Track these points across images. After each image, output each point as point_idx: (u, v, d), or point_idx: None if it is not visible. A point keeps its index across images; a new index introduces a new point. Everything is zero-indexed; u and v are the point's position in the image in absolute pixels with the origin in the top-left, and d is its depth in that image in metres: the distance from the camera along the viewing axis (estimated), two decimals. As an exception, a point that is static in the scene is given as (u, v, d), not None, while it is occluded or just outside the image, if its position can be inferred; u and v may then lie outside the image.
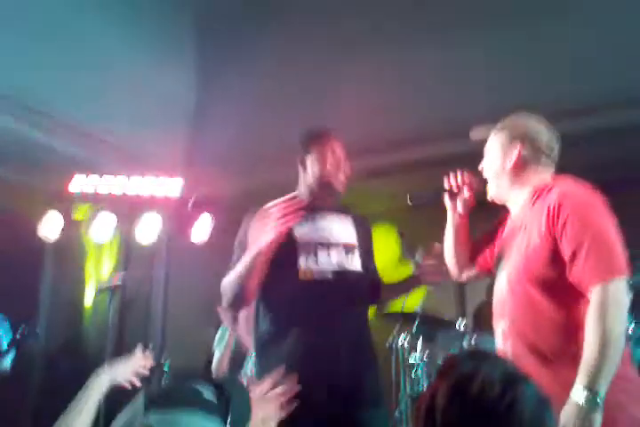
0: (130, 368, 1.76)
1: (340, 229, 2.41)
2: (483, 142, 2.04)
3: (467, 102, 4.43)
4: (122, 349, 5.33)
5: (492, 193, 1.99)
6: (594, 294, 1.64)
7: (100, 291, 4.51)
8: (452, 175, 2.11)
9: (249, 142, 5.13)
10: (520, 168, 1.91)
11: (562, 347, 1.72)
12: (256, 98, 5.22)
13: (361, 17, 4.85)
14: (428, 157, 4.70)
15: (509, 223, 1.98)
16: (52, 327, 5.71)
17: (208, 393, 1.22)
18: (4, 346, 3.40)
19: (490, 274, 2.07)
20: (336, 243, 2.36)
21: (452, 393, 1.02)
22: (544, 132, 1.94)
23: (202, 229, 4.81)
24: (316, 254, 2.30)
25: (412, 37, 4.67)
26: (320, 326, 2.21)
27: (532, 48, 4.11)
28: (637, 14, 3.63)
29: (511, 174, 1.92)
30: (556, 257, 1.73)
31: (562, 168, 1.96)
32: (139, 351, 1.90)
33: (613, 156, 4.66)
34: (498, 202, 2.01)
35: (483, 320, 4.89)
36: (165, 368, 4.14)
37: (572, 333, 1.69)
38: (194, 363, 4.53)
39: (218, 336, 4.02)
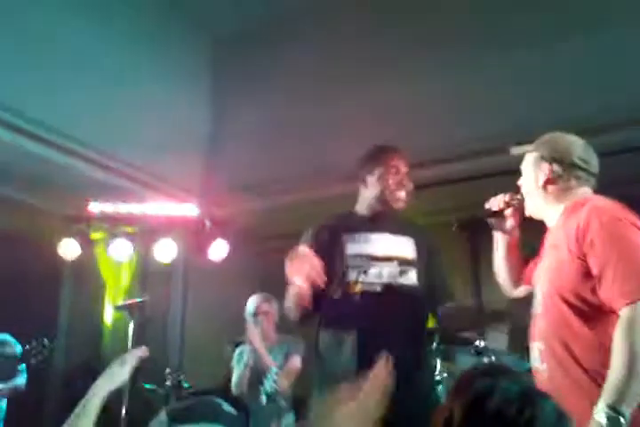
0: (126, 369, 1.78)
1: (396, 244, 2.40)
2: (505, 159, 2.08)
3: (491, 121, 4.46)
4: (141, 367, 5.36)
5: (529, 210, 2.01)
6: (621, 314, 1.62)
7: (118, 310, 4.53)
8: (495, 197, 2.11)
9: (264, 166, 5.19)
10: (552, 185, 1.92)
11: (595, 368, 1.69)
12: (271, 123, 5.30)
13: (376, 43, 4.96)
14: (451, 174, 4.73)
15: (546, 240, 1.97)
16: (71, 346, 5.75)
17: (227, 406, 1.24)
18: (19, 364, 3.45)
19: None
20: (389, 257, 2.35)
21: (470, 409, 1.00)
22: (576, 149, 1.94)
23: (219, 248, 4.84)
24: (366, 268, 2.32)
25: (428, 60, 4.77)
26: (368, 337, 2.22)
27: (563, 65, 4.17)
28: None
29: (544, 192, 1.93)
30: (586, 275, 1.71)
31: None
32: (133, 352, 1.90)
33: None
34: (535, 218, 2.02)
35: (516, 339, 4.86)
36: (185, 385, 4.15)
37: (605, 354, 1.66)
38: (212, 381, 4.53)
39: (236, 354, 4.02)
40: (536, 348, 1.87)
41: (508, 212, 2.09)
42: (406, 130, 4.68)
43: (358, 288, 2.30)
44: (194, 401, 1.30)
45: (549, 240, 1.94)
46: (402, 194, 2.43)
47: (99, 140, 4.59)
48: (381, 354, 2.17)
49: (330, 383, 2.19)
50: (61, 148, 4.44)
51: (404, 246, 2.41)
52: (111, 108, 4.64)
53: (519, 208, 2.07)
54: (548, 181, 1.92)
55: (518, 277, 2.16)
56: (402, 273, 2.34)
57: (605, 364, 1.64)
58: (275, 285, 5.09)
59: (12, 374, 3.40)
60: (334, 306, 2.32)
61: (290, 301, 2.37)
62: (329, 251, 2.33)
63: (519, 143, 2.06)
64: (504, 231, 2.14)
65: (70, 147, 4.48)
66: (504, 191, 2.12)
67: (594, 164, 1.95)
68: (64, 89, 4.31)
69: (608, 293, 1.66)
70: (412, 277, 2.36)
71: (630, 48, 4.10)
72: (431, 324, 4.12)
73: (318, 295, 2.29)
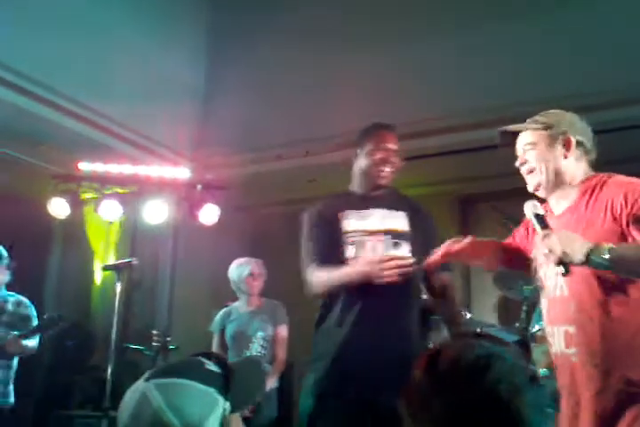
0: None
1: (389, 217, 2.47)
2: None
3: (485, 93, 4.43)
4: (128, 328, 5.40)
5: (539, 186, 1.93)
6: None
7: (106, 270, 4.54)
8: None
9: (257, 131, 5.16)
10: (568, 160, 1.88)
11: (622, 355, 1.69)
12: (265, 85, 5.24)
13: (374, 11, 4.89)
14: (434, 147, 4.71)
15: (554, 223, 1.84)
16: (59, 306, 5.76)
17: (210, 365, 1.24)
18: (34, 327, 3.50)
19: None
20: (382, 231, 2.43)
21: (426, 366, 1.03)
22: (585, 127, 1.93)
23: (210, 212, 4.83)
24: (362, 243, 2.41)
25: (422, 31, 4.71)
26: (367, 310, 2.32)
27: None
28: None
29: (561, 167, 1.88)
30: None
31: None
32: None
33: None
34: (541, 195, 1.95)
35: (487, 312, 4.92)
36: (171, 347, 4.18)
37: (635, 345, 1.68)
38: (200, 343, 4.57)
39: (216, 318, 4.04)
40: (561, 332, 1.81)
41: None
42: (399, 98, 4.66)
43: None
44: (179, 360, 1.31)
45: (566, 218, 1.86)
46: (386, 170, 2.49)
47: (90, 97, 4.53)
48: (378, 325, 2.27)
49: (327, 356, 2.35)
50: (51, 104, 4.37)
51: (397, 220, 2.47)
52: (104, 66, 4.57)
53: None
54: (567, 155, 1.87)
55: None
56: (395, 245, 2.41)
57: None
58: (265, 248, 5.14)
59: (27, 333, 3.45)
60: None
61: (328, 284, 2.40)
62: (329, 231, 2.44)
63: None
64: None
65: (60, 103, 4.42)
66: (505, 162, 2.07)
67: (593, 145, 1.93)
68: (54, 44, 4.23)
69: None
70: (404, 250, 2.42)
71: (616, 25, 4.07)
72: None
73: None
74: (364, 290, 2.29)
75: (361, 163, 2.52)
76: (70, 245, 6.02)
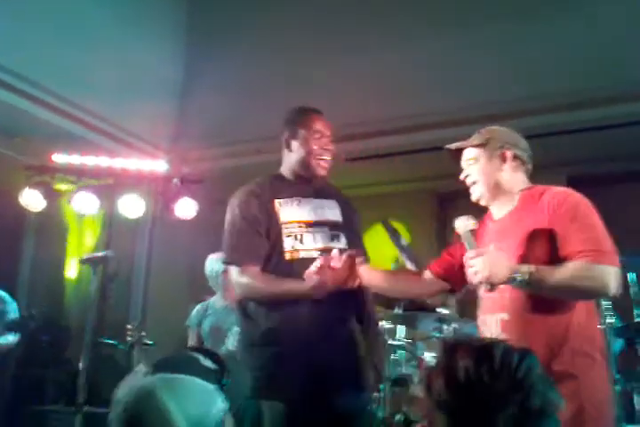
0: None
1: (325, 208, 2.40)
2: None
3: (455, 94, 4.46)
4: (103, 322, 5.34)
5: (483, 198, 2.07)
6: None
7: (81, 263, 4.48)
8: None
9: (236, 124, 5.13)
10: (508, 173, 2.03)
11: (552, 345, 1.80)
12: (244, 78, 5.21)
13: (350, 6, 4.89)
14: (413, 144, 4.73)
15: (493, 226, 2.06)
16: (33, 299, 5.69)
17: (205, 360, 1.25)
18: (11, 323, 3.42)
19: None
20: (321, 222, 2.34)
21: (478, 357, 1.11)
22: (523, 141, 2.08)
23: (186, 207, 4.78)
24: (301, 235, 2.30)
25: (402, 28, 4.72)
26: (308, 303, 2.20)
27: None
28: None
29: (501, 180, 2.03)
30: (555, 243, 1.84)
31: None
32: None
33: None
34: (483, 204, 2.10)
35: (464, 307, 4.95)
36: (146, 342, 4.14)
37: (559, 335, 1.81)
38: (175, 338, 4.54)
39: (193, 313, 4.03)
40: (496, 319, 1.92)
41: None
42: (376, 95, 4.66)
43: (295, 256, 2.28)
44: (174, 355, 1.31)
45: (504, 225, 2.01)
46: (325, 159, 2.40)
47: (67, 89, 4.48)
48: (322, 318, 2.17)
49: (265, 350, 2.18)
50: (28, 95, 4.31)
51: (332, 210, 2.41)
52: (82, 58, 4.51)
53: None
54: (506, 169, 2.02)
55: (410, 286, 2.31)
56: (333, 237, 2.34)
57: (562, 341, 1.80)
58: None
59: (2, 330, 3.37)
60: (272, 274, 2.28)
61: (270, 295, 2.26)
62: (263, 219, 2.30)
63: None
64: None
65: (37, 95, 4.36)
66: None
67: (530, 158, 2.08)
68: (31, 36, 4.17)
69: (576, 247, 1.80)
70: (342, 241, 2.36)
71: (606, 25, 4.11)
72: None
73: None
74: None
75: (297, 152, 2.39)
76: (44, 238, 5.93)
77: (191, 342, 3.95)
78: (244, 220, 2.32)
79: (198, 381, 1.19)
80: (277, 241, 2.29)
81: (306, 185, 2.41)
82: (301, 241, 2.29)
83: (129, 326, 4.09)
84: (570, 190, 1.96)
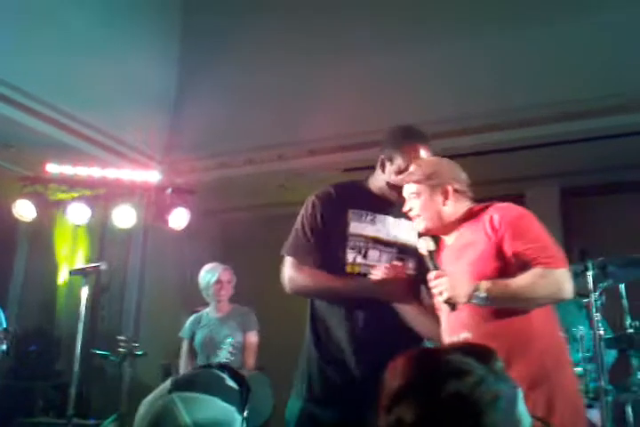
0: None
1: (400, 229, 2.31)
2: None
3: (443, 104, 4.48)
4: (95, 333, 5.31)
5: (428, 230, 2.11)
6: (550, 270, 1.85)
7: (73, 274, 4.46)
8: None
9: (228, 135, 5.14)
10: (449, 204, 2.08)
11: (517, 349, 1.83)
12: (236, 89, 5.23)
13: (341, 14, 4.92)
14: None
15: (446, 251, 2.11)
16: (24, 309, 5.66)
17: (229, 381, 1.24)
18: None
19: None
20: (390, 242, 2.28)
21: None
22: (455, 168, 2.15)
23: (180, 217, 4.78)
24: (366, 250, 2.25)
25: (396, 35, 4.75)
26: (362, 318, 2.18)
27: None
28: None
29: (443, 212, 2.08)
30: (501, 257, 1.91)
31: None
32: None
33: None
34: (431, 234, 2.12)
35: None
36: (138, 353, 4.13)
37: (523, 338, 1.86)
38: (168, 350, 4.52)
39: (186, 324, 4.02)
40: (459, 339, 1.94)
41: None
42: (370, 104, 4.67)
43: (355, 269, 2.22)
44: (198, 372, 1.30)
45: (454, 248, 2.08)
46: None
47: (60, 100, 4.48)
48: (373, 340, 2.11)
49: (325, 363, 2.21)
50: (21, 106, 4.31)
51: (407, 231, 2.30)
52: (76, 69, 4.52)
53: None
54: (449, 203, 2.07)
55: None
56: (400, 260, 2.26)
57: (534, 347, 1.84)
58: (235, 253, 5.10)
59: None
60: None
61: (328, 291, 2.26)
62: (332, 224, 2.26)
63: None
64: None
65: (30, 105, 4.36)
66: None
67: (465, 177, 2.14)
68: (24, 46, 4.18)
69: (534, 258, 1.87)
70: (409, 266, 2.27)
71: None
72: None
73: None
74: (366, 305, 2.17)
75: (389, 175, 2.27)
76: (36, 249, 5.91)
77: (184, 353, 3.93)
78: (305, 223, 2.30)
79: (219, 402, 1.17)
80: (339, 251, 2.24)
81: (387, 201, 2.31)
82: (365, 256, 2.24)
83: (121, 338, 4.07)
84: (506, 206, 2.02)
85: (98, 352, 4.45)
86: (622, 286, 3.39)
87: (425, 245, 2.03)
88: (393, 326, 2.15)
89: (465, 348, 1.04)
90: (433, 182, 2.09)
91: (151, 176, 4.89)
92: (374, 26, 4.82)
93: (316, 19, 5.01)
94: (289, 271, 2.28)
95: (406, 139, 2.29)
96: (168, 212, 4.74)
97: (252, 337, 3.88)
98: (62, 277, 5.81)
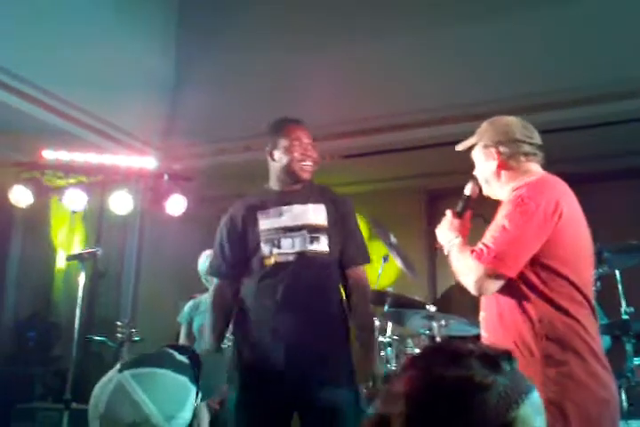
0: None
1: (306, 212, 2.45)
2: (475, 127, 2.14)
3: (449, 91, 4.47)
4: (92, 319, 5.33)
5: (488, 193, 2.12)
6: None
7: (70, 260, 4.46)
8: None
9: (226, 121, 5.13)
10: (504, 169, 2.01)
11: (523, 338, 1.81)
12: (234, 76, 5.21)
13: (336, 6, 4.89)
14: (403, 142, 4.74)
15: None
16: (21, 296, 5.67)
17: (179, 355, 1.25)
18: None
19: None
20: (298, 226, 2.41)
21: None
22: (515, 127, 2.03)
23: (176, 203, 4.78)
24: (278, 240, 2.40)
25: (386, 25, 4.72)
26: (284, 306, 2.32)
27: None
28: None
29: (498, 177, 2.03)
30: None
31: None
32: None
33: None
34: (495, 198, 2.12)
35: (452, 304, 4.98)
36: (136, 339, 4.15)
37: (533, 324, 1.81)
38: (164, 335, 4.54)
39: (185, 310, 4.04)
40: (481, 317, 1.99)
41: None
42: (366, 93, 4.67)
43: (272, 260, 2.39)
44: (147, 352, 1.32)
45: (498, 215, 2.05)
46: (307, 164, 2.49)
47: (56, 85, 4.45)
48: (296, 320, 2.28)
49: (246, 355, 2.40)
50: (16, 91, 4.29)
51: (314, 214, 2.46)
52: (72, 53, 4.49)
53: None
54: (499, 166, 2.01)
55: None
56: (312, 240, 2.40)
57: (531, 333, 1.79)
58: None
59: None
60: (252, 281, 2.42)
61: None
62: (244, 230, 2.47)
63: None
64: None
65: (25, 91, 4.34)
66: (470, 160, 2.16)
67: (536, 137, 2.03)
68: (19, 31, 4.16)
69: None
70: (323, 244, 2.41)
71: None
72: (383, 286, 4.19)
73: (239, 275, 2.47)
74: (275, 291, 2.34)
75: (280, 160, 2.49)
76: (33, 235, 5.91)
77: (183, 338, 3.95)
78: (219, 243, 2.55)
79: (170, 373, 1.19)
80: (256, 249, 2.42)
81: (291, 192, 2.50)
82: (279, 246, 2.40)
83: (119, 323, 4.09)
84: (528, 186, 1.91)
85: (96, 338, 4.47)
86: (617, 273, 3.42)
87: (468, 188, 2.12)
88: (319, 308, 2.35)
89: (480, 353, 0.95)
90: (482, 144, 2.06)
91: (148, 162, 4.88)
92: (375, 10, 4.79)
93: (314, 3, 4.98)
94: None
95: (279, 124, 2.56)
96: (165, 198, 4.73)
97: None
98: (59, 263, 5.82)
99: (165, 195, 4.74)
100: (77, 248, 5.63)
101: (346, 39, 4.78)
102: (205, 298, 4.01)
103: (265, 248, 2.40)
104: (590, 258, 1.97)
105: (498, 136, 2.02)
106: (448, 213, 2.08)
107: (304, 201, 2.48)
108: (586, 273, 1.91)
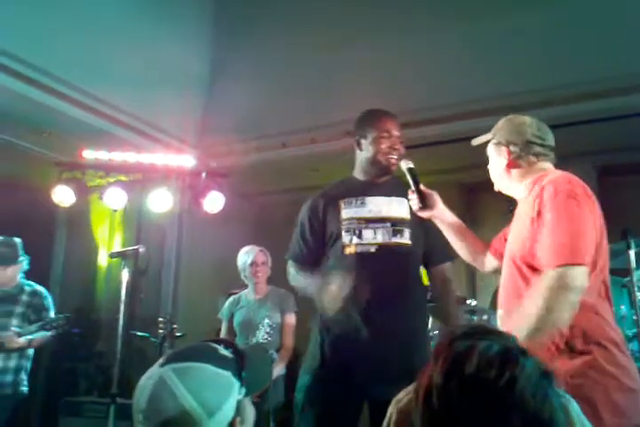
0: None
1: (390, 205, 2.48)
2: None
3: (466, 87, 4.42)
4: (134, 316, 5.42)
5: (499, 187, 2.14)
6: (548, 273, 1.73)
7: (112, 257, 4.53)
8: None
9: (263, 118, 5.14)
10: (514, 167, 2.03)
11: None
12: (270, 73, 5.21)
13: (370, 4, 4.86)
14: (437, 135, 4.71)
15: (515, 215, 2.08)
16: (64, 293, 5.78)
17: (223, 350, 1.25)
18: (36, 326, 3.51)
19: None
20: (382, 218, 2.44)
21: (449, 373, 0.95)
22: (528, 127, 2.03)
23: (215, 201, 4.81)
24: (360, 230, 2.41)
25: (416, 24, 4.68)
26: (363, 296, 2.29)
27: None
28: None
29: (509, 174, 2.05)
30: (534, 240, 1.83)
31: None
32: None
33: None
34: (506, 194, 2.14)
35: (492, 298, 4.92)
36: (177, 334, 4.20)
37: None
38: (205, 330, 4.59)
39: (225, 305, 4.08)
40: (498, 315, 1.98)
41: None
42: (405, 86, 4.63)
43: (352, 250, 2.40)
44: (190, 345, 1.32)
45: (516, 214, 2.05)
46: (393, 157, 2.49)
47: (93, 85, 4.52)
48: (376, 310, 2.28)
49: (328, 342, 2.41)
50: (54, 92, 4.36)
51: (398, 207, 2.47)
52: (109, 53, 4.55)
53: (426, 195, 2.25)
54: (509, 164, 2.03)
55: (476, 253, 2.26)
56: (395, 233, 2.42)
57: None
58: (270, 237, 5.12)
59: (25, 332, 3.46)
60: (332, 268, 2.41)
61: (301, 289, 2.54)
62: (326, 218, 2.50)
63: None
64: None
65: (63, 91, 4.41)
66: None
67: (549, 138, 2.04)
68: (57, 32, 4.22)
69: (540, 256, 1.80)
70: (405, 237, 2.43)
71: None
72: (425, 282, 4.16)
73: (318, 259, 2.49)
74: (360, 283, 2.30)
75: (367, 151, 2.51)
76: (75, 233, 6.02)
77: (223, 333, 4.00)
78: (301, 224, 2.59)
79: (212, 368, 1.19)
80: (338, 237, 2.44)
81: (375, 183, 2.53)
82: (360, 236, 2.41)
83: (160, 319, 4.15)
84: (555, 182, 1.87)
85: (138, 334, 4.54)
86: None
87: (404, 164, 2.25)
88: (402, 301, 2.36)
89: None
90: (496, 142, 2.08)
91: (186, 160, 4.93)
92: (397, 10, 4.77)
93: (350, 2, 4.96)
94: (288, 269, 2.63)
95: (373, 115, 2.57)
96: (203, 195, 4.77)
97: (290, 318, 3.92)
98: (101, 260, 5.92)
99: (203, 192, 4.78)
100: (118, 246, 5.72)
101: (383, 33, 4.74)
102: (245, 293, 4.05)
103: (346, 237, 2.42)
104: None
105: (510, 135, 2.04)
106: (411, 195, 2.21)
107: (388, 193, 2.50)
108: (607, 265, 1.90)
